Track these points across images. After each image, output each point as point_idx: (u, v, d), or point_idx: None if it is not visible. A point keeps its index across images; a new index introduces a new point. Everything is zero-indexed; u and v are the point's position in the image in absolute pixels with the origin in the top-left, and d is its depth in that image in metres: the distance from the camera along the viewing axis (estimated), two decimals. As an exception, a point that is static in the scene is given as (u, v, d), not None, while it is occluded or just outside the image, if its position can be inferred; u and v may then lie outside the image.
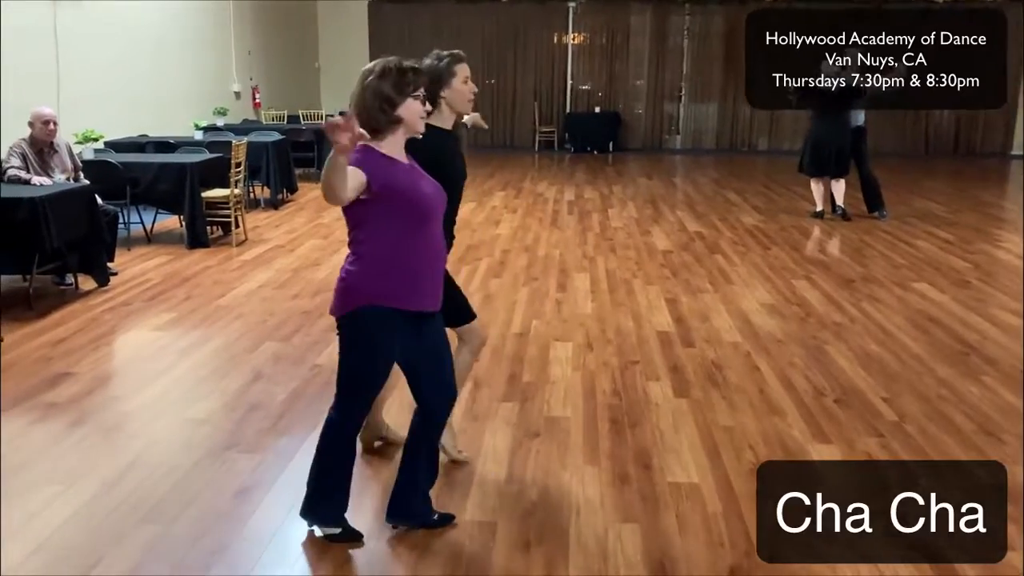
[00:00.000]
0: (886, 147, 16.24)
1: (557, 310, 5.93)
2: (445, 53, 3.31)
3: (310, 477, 3.03)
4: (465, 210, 9.86)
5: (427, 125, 3.08)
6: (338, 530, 3.02)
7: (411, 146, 2.88)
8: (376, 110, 2.72)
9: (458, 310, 3.49)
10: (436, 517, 3.12)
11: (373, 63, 2.79)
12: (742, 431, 3.98)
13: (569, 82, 17.73)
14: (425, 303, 2.84)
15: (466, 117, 3.76)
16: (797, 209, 10.11)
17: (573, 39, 17.51)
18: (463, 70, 3.28)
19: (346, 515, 3.03)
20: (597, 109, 17.41)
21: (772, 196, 11.33)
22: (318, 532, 3.04)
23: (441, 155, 3.14)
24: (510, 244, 8.08)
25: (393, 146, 2.77)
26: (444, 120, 3.29)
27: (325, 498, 3.00)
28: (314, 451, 3.03)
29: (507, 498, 3.34)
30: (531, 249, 7.87)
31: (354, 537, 3.01)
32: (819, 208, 9.48)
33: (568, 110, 17.61)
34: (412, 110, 2.75)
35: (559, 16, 17.31)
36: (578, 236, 8.54)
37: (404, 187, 2.74)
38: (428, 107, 2.84)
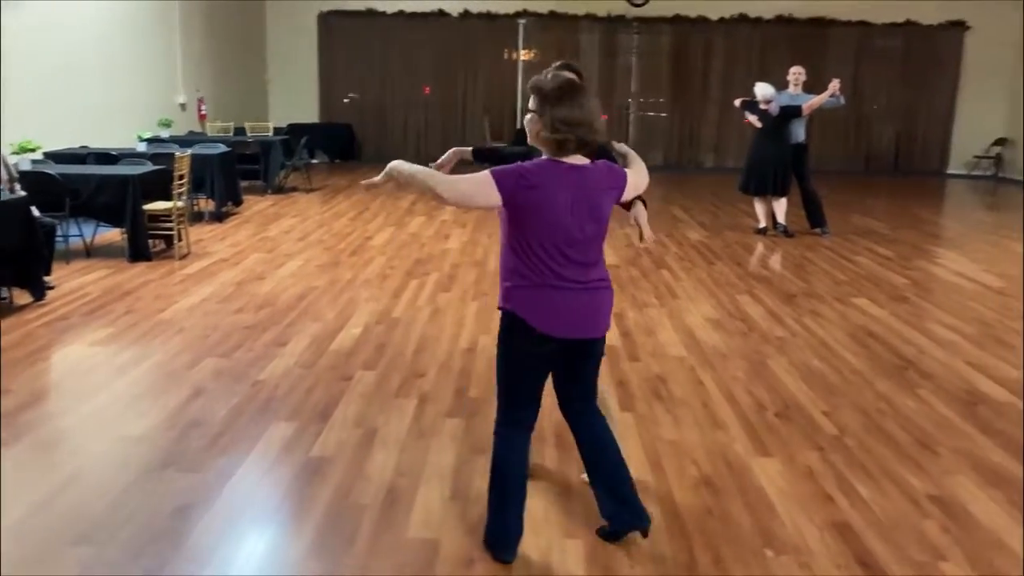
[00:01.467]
0: (827, 165, 16.58)
1: (504, 325, 5.92)
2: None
3: (490, 506, 3.05)
4: (414, 224, 9.84)
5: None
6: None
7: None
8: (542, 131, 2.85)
9: None
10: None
11: (572, 75, 2.92)
12: (686, 445, 4.01)
13: (520, 98, 17.81)
14: None
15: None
16: (741, 225, 10.27)
17: (524, 56, 17.60)
18: None
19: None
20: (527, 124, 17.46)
21: (717, 212, 11.49)
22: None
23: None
24: (460, 259, 8.06)
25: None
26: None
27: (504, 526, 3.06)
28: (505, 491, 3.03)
29: (451, 515, 3.31)
30: (481, 264, 7.86)
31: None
32: (762, 225, 9.64)
33: (519, 126, 17.65)
34: None
35: (510, 33, 17.38)
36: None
37: None
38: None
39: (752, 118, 9.38)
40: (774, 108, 9.14)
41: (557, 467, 3.75)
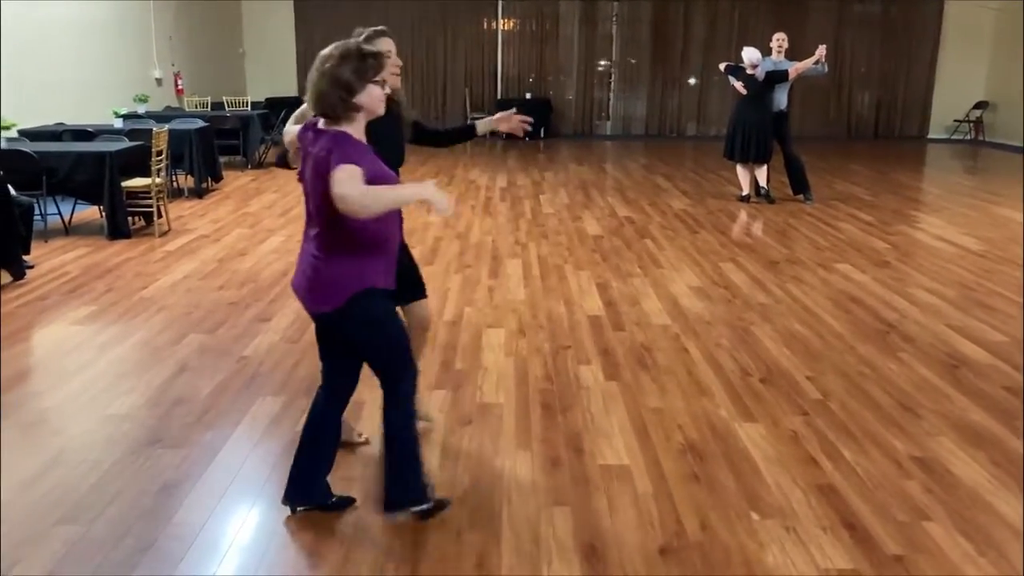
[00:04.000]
0: (810, 131, 16.66)
1: (489, 297, 5.93)
2: (368, 29, 3.29)
3: (388, 465, 2.98)
4: (396, 197, 9.76)
5: None
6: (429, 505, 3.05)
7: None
8: (336, 97, 2.66)
9: (415, 284, 3.56)
10: (334, 500, 3.15)
11: (332, 48, 2.71)
12: (671, 412, 4.03)
13: (500, 69, 17.70)
14: (390, 280, 2.90)
15: (485, 121, 3.79)
16: (724, 193, 10.28)
17: (503, 25, 17.46)
18: (385, 43, 3.26)
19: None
20: (528, 96, 17.40)
21: (700, 181, 11.49)
22: (414, 510, 3.03)
23: (379, 131, 3.08)
24: (442, 231, 8.04)
25: (359, 131, 2.74)
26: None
27: (407, 476, 2.99)
28: (300, 441, 3.05)
29: (439, 486, 3.31)
30: (463, 236, 7.84)
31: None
32: (745, 192, 9.65)
33: (499, 97, 17.57)
34: (373, 95, 2.71)
35: (489, 2, 17.24)
36: (510, 223, 8.54)
37: (381, 173, 2.74)
38: (387, 89, 2.80)
39: (737, 84, 9.34)
40: (760, 73, 9.11)
41: (543, 437, 3.76)
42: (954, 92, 17.03)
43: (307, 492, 3.11)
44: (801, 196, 9.68)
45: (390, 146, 3.30)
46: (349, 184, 2.54)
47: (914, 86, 17.43)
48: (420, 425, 3.44)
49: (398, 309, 3.45)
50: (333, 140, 2.65)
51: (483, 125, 3.82)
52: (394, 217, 2.87)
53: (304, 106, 3.08)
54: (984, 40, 16.67)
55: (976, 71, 16.83)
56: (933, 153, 15.66)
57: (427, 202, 2.70)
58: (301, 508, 3.12)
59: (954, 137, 17.21)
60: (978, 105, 16.83)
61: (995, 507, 3.21)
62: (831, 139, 16.98)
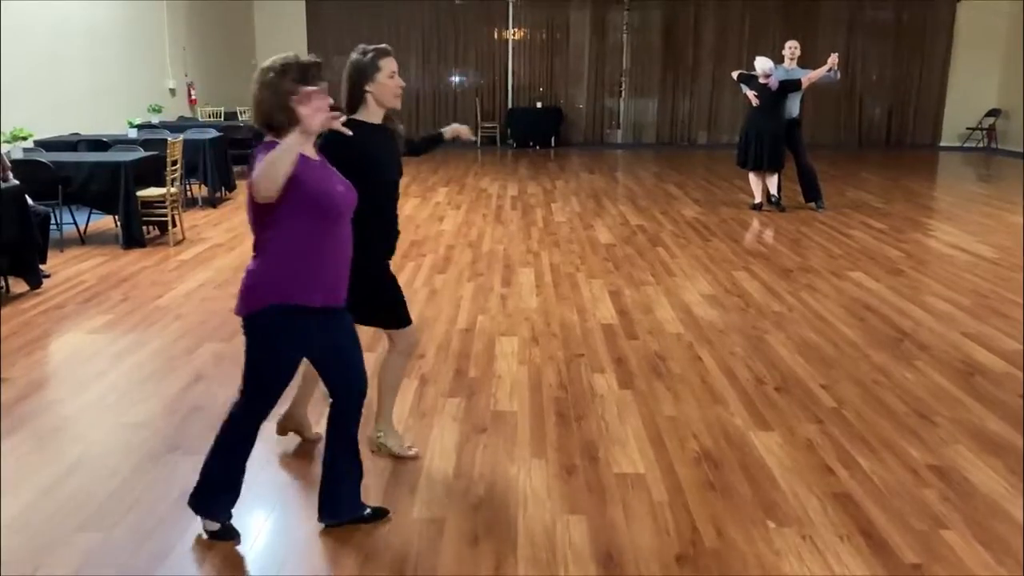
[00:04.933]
0: (822, 139, 16.64)
1: (502, 305, 5.94)
2: (371, 47, 3.27)
3: (204, 468, 2.98)
4: (409, 206, 9.82)
5: (352, 120, 3.13)
6: (217, 526, 3.00)
7: (334, 141, 2.87)
8: (276, 108, 2.65)
9: (394, 314, 3.49)
10: (368, 512, 3.12)
11: (272, 60, 2.71)
12: (685, 420, 4.03)
13: (510, 78, 17.75)
14: (330, 299, 2.81)
15: (448, 128, 3.85)
16: (736, 201, 10.28)
17: (514, 35, 17.52)
18: (389, 64, 3.24)
19: (233, 513, 3.04)
20: (539, 104, 17.45)
21: (712, 189, 11.49)
22: (201, 527, 3.02)
23: (364, 149, 3.11)
24: (454, 240, 8.06)
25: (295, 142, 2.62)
26: (371, 115, 3.27)
27: (214, 492, 2.98)
28: (216, 445, 3.01)
29: (455, 494, 3.33)
30: (475, 245, 7.86)
31: (231, 536, 3.00)
32: (757, 200, 9.64)
33: (510, 105, 17.62)
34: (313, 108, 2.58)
35: (499, 12, 17.31)
36: (522, 231, 8.56)
37: (315, 185, 2.69)
38: (331, 101, 2.70)
39: (750, 93, 9.35)
40: (773, 83, 9.12)
41: (558, 445, 3.76)
42: (966, 100, 16.99)
43: (337, 508, 3.08)
44: (813, 204, 9.67)
45: (389, 161, 3.33)
46: (255, 170, 2.53)
47: (926, 94, 17.39)
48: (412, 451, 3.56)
49: (386, 333, 3.48)
50: (265, 147, 2.65)
51: (448, 132, 3.89)
52: (332, 230, 2.74)
53: None
54: (996, 47, 16.62)
55: (988, 79, 16.79)
56: (946, 161, 15.61)
57: (304, 136, 2.54)
58: (334, 523, 3.08)
59: (967, 145, 17.15)
60: (991, 113, 16.78)
61: (1013, 515, 3.19)
62: (843, 147, 16.95)
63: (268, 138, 2.70)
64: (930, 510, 3.23)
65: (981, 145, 16.99)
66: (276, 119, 2.67)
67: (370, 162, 2.97)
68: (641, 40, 17.51)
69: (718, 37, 17.21)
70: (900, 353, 4.99)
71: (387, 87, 3.23)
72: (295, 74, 2.66)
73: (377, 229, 3.26)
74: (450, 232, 8.39)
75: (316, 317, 2.78)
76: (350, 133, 2.86)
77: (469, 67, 17.54)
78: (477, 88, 17.55)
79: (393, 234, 3.48)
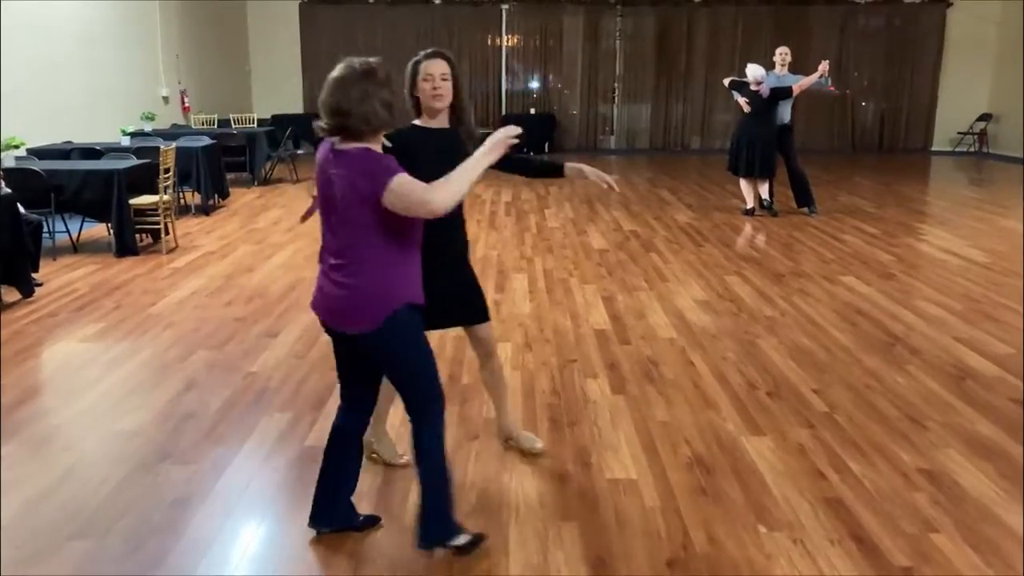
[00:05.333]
0: (814, 144, 16.70)
1: (496, 311, 5.94)
2: (420, 53, 3.35)
3: (430, 498, 2.90)
4: (402, 213, 9.81)
5: (410, 125, 3.29)
6: (468, 535, 2.97)
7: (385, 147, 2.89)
8: (385, 113, 2.67)
9: (475, 305, 3.56)
10: (360, 520, 3.14)
11: (353, 64, 2.68)
12: (678, 425, 4.04)
13: (504, 84, 17.78)
14: (420, 297, 2.86)
15: (572, 166, 3.66)
16: (729, 207, 10.30)
17: (507, 41, 17.56)
18: (426, 68, 3.29)
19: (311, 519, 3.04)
20: (532, 110, 17.47)
21: (705, 194, 11.51)
22: (458, 541, 2.95)
23: (404, 153, 3.06)
24: (447, 246, 8.05)
25: (379, 146, 2.75)
26: (427, 119, 3.32)
27: (448, 508, 2.95)
28: (322, 463, 3.02)
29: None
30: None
31: (481, 540, 3.02)
32: (749, 205, 9.67)
33: (504, 112, 17.64)
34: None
35: (493, 18, 17.34)
36: (516, 237, 8.57)
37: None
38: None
39: (742, 100, 9.39)
40: (765, 90, 9.14)
41: (551, 450, 3.77)
42: (958, 104, 17.06)
43: (332, 514, 3.09)
44: (806, 209, 9.70)
45: (431, 163, 3.01)
46: (420, 188, 2.56)
47: (918, 99, 17.45)
48: (403, 459, 3.52)
49: (463, 330, 3.52)
50: (367, 158, 2.63)
51: (570, 170, 3.69)
52: (421, 226, 2.79)
53: None
54: (987, 52, 16.70)
55: (980, 83, 16.86)
56: (938, 165, 15.67)
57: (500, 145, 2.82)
58: (326, 530, 3.09)
59: (958, 149, 17.22)
60: (982, 117, 16.85)
61: (1003, 519, 3.21)
62: (835, 152, 17.01)
63: (339, 143, 2.67)
64: (920, 514, 3.24)
65: (973, 149, 17.06)
66: (380, 125, 2.67)
67: (408, 166, 2.95)
68: (634, 46, 17.56)
69: (711, 43, 17.26)
70: (892, 357, 5.01)
71: (424, 91, 3.27)
72: (384, 79, 2.72)
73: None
74: (443, 238, 8.39)
75: (417, 314, 2.84)
76: (389, 144, 2.91)
77: (463, 73, 17.48)
78: (471, 94, 17.56)
79: (446, 237, 3.33)
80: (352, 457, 3.07)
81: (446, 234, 3.27)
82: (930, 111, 17.50)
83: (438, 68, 3.29)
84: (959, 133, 17.13)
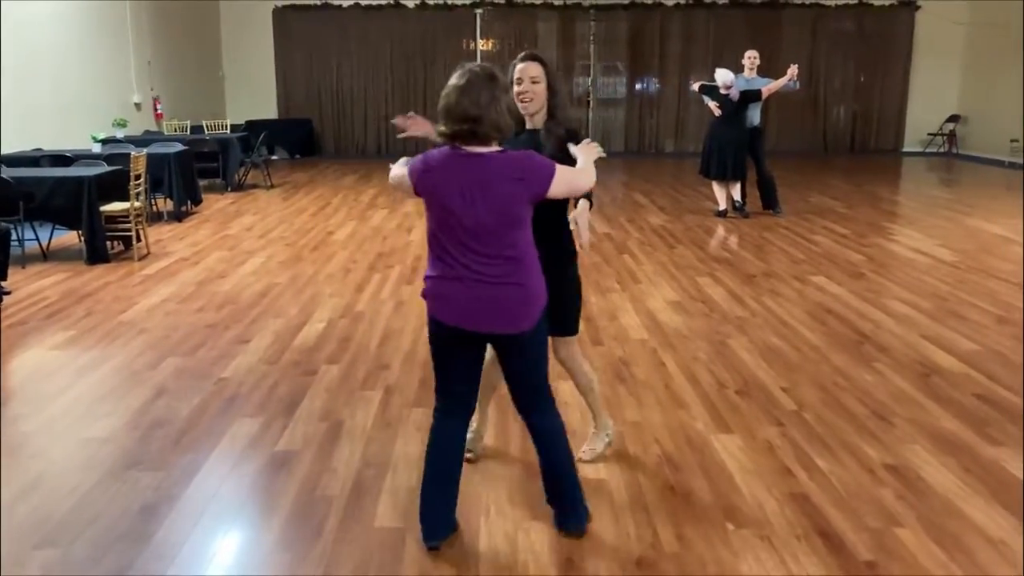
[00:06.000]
0: (786, 146, 16.86)
1: (468, 314, 5.94)
2: (518, 56, 3.34)
3: (568, 490, 3.08)
4: (377, 217, 9.83)
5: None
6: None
7: None
8: (508, 117, 2.76)
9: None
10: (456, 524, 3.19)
11: (475, 69, 2.74)
12: (648, 425, 4.07)
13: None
14: None
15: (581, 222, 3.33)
16: (702, 209, 10.37)
17: (482, 45, 17.59)
18: (514, 72, 3.28)
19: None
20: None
21: (678, 197, 11.58)
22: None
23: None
24: (422, 251, 8.06)
25: None
26: (528, 122, 3.32)
27: (579, 494, 3.12)
28: (431, 476, 3.04)
29: (417, 503, 3.33)
30: (442, 255, 7.86)
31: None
32: (722, 207, 9.75)
33: (478, 116, 17.63)
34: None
35: (467, 23, 17.35)
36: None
37: None
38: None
39: (712, 104, 9.49)
40: (734, 93, 9.25)
41: (521, 450, 3.78)
42: (928, 106, 17.27)
43: (448, 523, 3.08)
44: (771, 210, 9.82)
45: None
46: (573, 172, 2.86)
47: (888, 100, 17.65)
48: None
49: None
50: (529, 157, 2.76)
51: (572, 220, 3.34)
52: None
53: None
54: (955, 54, 16.93)
55: (948, 85, 17.08)
56: (908, 166, 15.86)
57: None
58: (441, 543, 3.04)
59: (928, 150, 17.43)
60: (951, 118, 17.07)
61: (966, 513, 3.26)
62: (807, 153, 17.16)
63: (485, 148, 2.74)
64: (885, 509, 3.28)
65: (942, 150, 17.27)
66: (508, 124, 2.76)
67: None
68: (608, 50, 17.64)
69: (684, 46, 17.37)
70: (860, 356, 5.07)
71: (516, 95, 3.23)
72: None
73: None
74: (418, 243, 8.40)
75: None
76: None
77: (438, 77, 17.55)
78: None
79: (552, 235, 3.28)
80: (460, 461, 3.10)
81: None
82: (900, 112, 17.71)
83: (528, 72, 3.26)
84: (929, 134, 17.34)
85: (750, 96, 9.30)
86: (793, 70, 9.29)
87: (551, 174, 2.74)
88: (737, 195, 9.70)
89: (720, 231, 9.06)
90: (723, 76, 9.27)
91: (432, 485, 3.02)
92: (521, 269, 2.78)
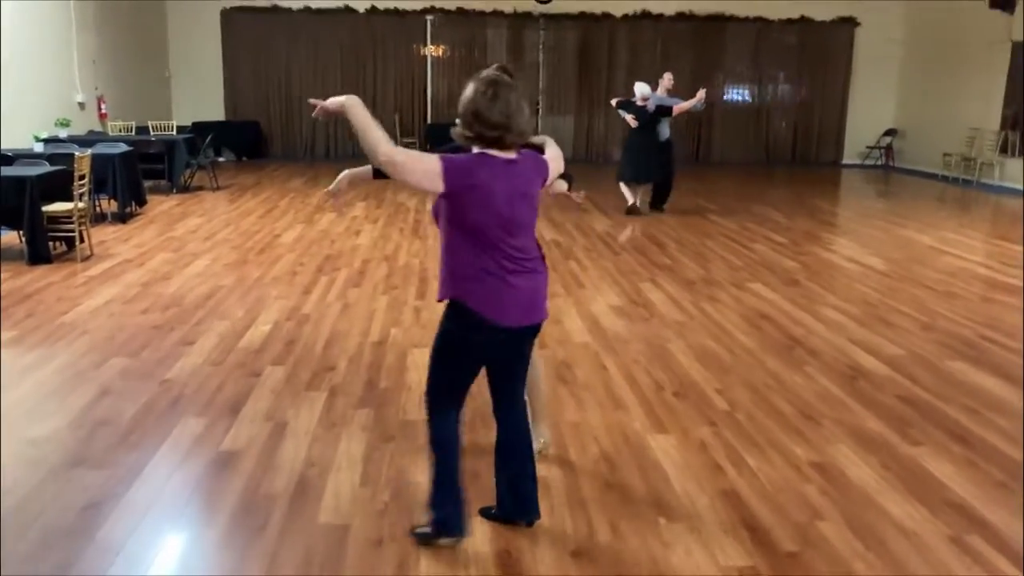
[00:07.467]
0: (730, 156, 17.23)
1: (416, 317, 6.04)
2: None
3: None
4: (325, 220, 9.85)
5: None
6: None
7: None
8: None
9: None
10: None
11: (500, 77, 2.82)
12: (588, 426, 4.20)
13: (429, 93, 17.86)
14: None
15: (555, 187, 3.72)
16: (645, 216, 10.59)
17: (432, 51, 17.65)
18: None
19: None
20: (458, 120, 17.54)
21: (623, 203, 11.76)
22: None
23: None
24: (370, 254, 8.13)
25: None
26: None
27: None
28: (452, 471, 3.11)
29: (360, 500, 3.42)
30: (391, 259, 7.94)
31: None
32: (632, 201, 10.76)
33: (429, 121, 17.73)
34: None
35: (417, 28, 17.41)
36: (439, 245, 8.64)
37: None
38: None
39: (628, 116, 10.60)
40: (651, 105, 10.46)
41: (465, 451, 3.87)
42: (866, 120, 17.78)
43: (464, 514, 3.14)
44: (657, 208, 10.95)
45: None
46: (554, 159, 3.13)
47: (829, 114, 18.13)
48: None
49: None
50: (536, 157, 3.02)
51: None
52: None
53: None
54: (892, 70, 17.47)
55: (886, 99, 17.62)
56: (847, 178, 16.32)
57: None
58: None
59: (867, 163, 17.94)
60: (888, 132, 17.61)
61: (883, 506, 3.44)
62: (750, 164, 17.54)
63: (510, 152, 2.87)
64: (809, 503, 3.46)
65: (880, 163, 17.80)
66: (530, 128, 2.93)
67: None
68: (557, 58, 17.84)
69: (631, 56, 17.63)
70: (791, 359, 5.27)
71: None
72: None
73: None
74: (366, 246, 8.46)
75: None
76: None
77: (388, 82, 17.59)
78: (397, 103, 17.61)
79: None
80: (458, 455, 3.17)
81: None
82: (840, 125, 18.19)
83: None
84: (867, 147, 17.85)
85: (664, 110, 10.52)
86: (701, 94, 10.64)
87: (547, 164, 3.03)
88: (648, 196, 10.90)
89: (662, 238, 9.25)
90: (642, 89, 10.56)
91: (456, 476, 3.11)
92: (538, 261, 3.00)
